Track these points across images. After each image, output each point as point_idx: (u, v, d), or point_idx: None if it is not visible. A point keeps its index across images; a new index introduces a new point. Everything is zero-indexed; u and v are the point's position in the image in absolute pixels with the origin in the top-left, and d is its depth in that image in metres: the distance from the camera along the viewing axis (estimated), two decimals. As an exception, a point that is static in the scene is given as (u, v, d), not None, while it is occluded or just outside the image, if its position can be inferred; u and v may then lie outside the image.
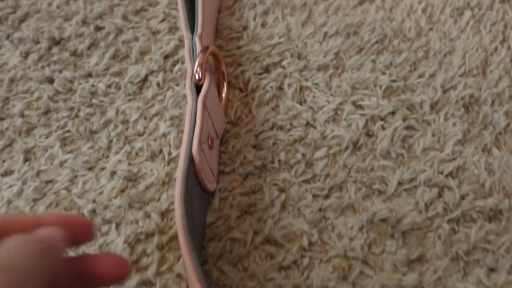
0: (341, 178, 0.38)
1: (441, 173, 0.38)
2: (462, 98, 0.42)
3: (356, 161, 0.39)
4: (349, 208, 0.37)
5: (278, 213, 0.36)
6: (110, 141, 0.41)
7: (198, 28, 0.42)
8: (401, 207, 0.36)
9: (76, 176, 0.40)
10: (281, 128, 0.41)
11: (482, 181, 0.37)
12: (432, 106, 0.41)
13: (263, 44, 0.47)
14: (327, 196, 0.37)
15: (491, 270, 0.34)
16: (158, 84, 0.45)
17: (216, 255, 0.35)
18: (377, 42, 0.46)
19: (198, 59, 0.38)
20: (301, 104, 0.42)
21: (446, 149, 0.39)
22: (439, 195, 0.37)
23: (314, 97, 0.43)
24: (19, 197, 0.39)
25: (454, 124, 0.40)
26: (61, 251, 0.24)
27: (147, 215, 0.37)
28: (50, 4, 0.53)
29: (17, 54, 0.48)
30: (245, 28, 0.49)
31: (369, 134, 0.40)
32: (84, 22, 0.50)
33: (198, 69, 0.37)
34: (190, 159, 0.34)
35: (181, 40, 0.47)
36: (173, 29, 0.49)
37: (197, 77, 0.37)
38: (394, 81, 0.43)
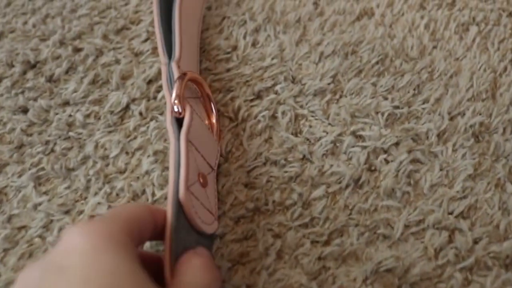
0: (342, 221, 0.34)
1: (451, 213, 0.34)
2: (471, 126, 0.38)
3: (358, 201, 0.35)
4: (351, 256, 0.33)
5: (273, 263, 0.33)
6: (89, 180, 0.38)
7: (176, 52, 0.38)
8: (409, 254, 0.33)
9: (51, 221, 0.36)
10: (275, 163, 0.37)
11: (497, 222, 0.34)
12: (439, 136, 0.38)
13: (255, 67, 0.43)
14: (326, 243, 0.34)
15: (510, 326, 0.31)
16: (140, 113, 0.41)
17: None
18: (377, 62, 0.43)
19: (175, 89, 0.34)
20: (296, 135, 0.39)
21: (456, 185, 0.36)
22: (450, 239, 0.34)
23: (310, 126, 0.39)
24: (-11, 246, 0.35)
25: (463, 156, 0.37)
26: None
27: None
28: (25, 23, 0.49)
29: (-12, 80, 0.44)
30: (235, 48, 0.45)
31: (371, 169, 0.37)
32: (62, 42, 0.47)
33: (176, 101, 0.34)
34: (178, 206, 0.30)
35: (165, 63, 0.44)
36: (157, 49, 0.45)
37: (176, 110, 0.34)
38: (397, 107, 0.40)
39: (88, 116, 0.41)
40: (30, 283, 0.24)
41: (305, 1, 0.48)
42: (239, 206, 0.35)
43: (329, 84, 0.41)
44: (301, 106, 0.40)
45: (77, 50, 0.46)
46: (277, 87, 0.41)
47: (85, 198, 0.37)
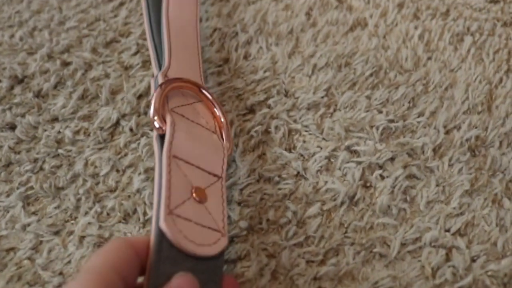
0: (337, 240, 0.34)
1: (448, 230, 0.34)
2: (467, 140, 0.38)
3: (354, 219, 0.35)
4: (347, 276, 0.33)
5: (268, 284, 0.32)
6: (79, 200, 0.37)
7: (165, 62, 0.37)
8: (406, 273, 0.32)
9: (41, 242, 0.35)
10: (268, 180, 0.37)
11: (494, 239, 0.34)
12: (434, 150, 0.38)
13: (247, 80, 0.42)
14: (322, 262, 0.33)
15: None
16: (131, 129, 0.40)
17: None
18: (371, 75, 0.42)
19: (152, 101, 0.33)
20: (290, 151, 0.38)
21: (453, 201, 0.35)
22: (447, 258, 0.33)
23: (304, 142, 0.39)
24: (-24, 269, 0.34)
25: (459, 171, 0.36)
26: None
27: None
28: (12, 36, 0.48)
29: (-26, 96, 0.43)
30: (226, 60, 0.44)
31: (366, 186, 0.36)
32: (50, 56, 0.46)
33: (154, 117, 0.33)
34: (160, 236, 0.27)
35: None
36: (147, 63, 0.45)
37: (157, 126, 0.32)
38: (391, 121, 0.39)
39: (77, 132, 0.41)
40: None
41: (297, 12, 0.48)
42: (232, 225, 0.35)
43: (322, 97, 0.41)
44: (295, 121, 0.40)
45: (66, 64, 0.45)
46: (270, 101, 0.41)
47: (75, 218, 0.36)
